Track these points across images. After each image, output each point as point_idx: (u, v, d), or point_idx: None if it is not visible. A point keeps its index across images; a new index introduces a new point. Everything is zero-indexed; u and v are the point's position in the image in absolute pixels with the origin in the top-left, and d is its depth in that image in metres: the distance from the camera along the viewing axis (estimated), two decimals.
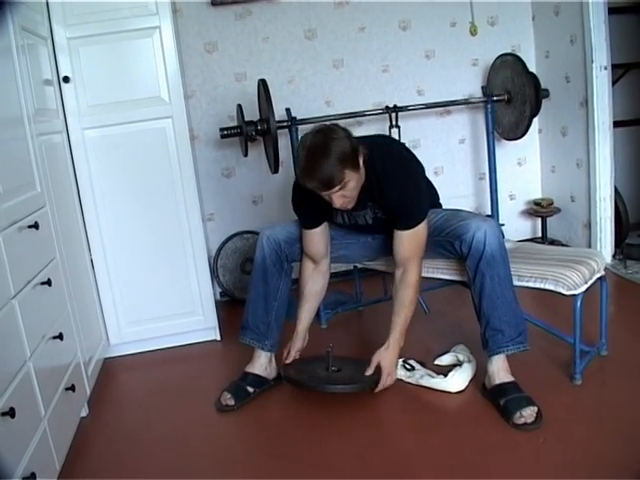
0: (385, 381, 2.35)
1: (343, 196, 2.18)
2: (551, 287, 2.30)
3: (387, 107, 3.46)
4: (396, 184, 2.26)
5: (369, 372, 2.35)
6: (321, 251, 2.53)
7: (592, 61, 3.43)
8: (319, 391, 2.40)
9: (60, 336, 2.15)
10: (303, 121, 3.38)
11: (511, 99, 3.63)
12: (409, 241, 2.31)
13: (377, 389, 2.36)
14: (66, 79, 2.78)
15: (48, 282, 2.10)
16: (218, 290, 3.82)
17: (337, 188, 2.13)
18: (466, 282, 2.40)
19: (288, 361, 2.53)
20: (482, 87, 3.84)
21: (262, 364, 2.58)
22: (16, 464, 1.64)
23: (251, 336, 2.58)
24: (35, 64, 2.45)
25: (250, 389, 2.53)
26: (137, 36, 2.82)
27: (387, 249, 2.62)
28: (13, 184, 1.98)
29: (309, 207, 2.42)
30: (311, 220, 2.48)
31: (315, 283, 2.57)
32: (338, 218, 2.49)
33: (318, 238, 2.50)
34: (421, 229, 2.31)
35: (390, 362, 2.35)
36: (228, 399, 2.48)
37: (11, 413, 1.60)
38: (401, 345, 2.38)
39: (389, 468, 2.01)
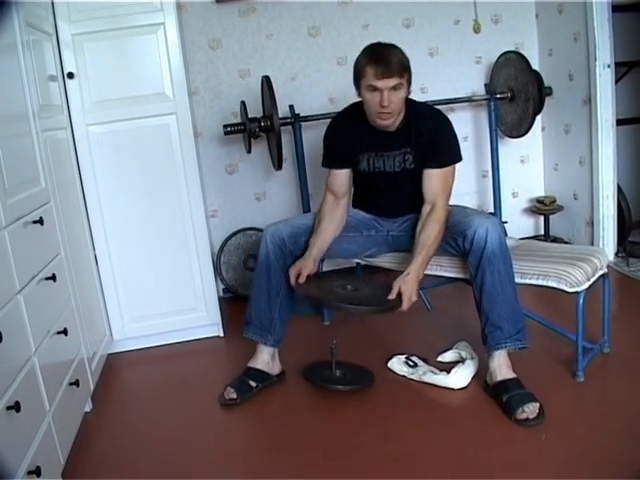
0: (405, 305, 2.31)
1: (391, 101, 2.28)
2: (554, 284, 2.31)
3: None
4: (434, 120, 2.45)
5: (392, 297, 2.31)
6: (344, 187, 2.59)
7: (595, 59, 3.43)
8: (341, 310, 2.42)
9: (64, 331, 2.16)
10: (306, 118, 3.39)
11: (514, 97, 3.63)
12: (439, 178, 2.43)
13: (402, 308, 2.31)
14: (70, 75, 2.79)
15: (53, 277, 2.11)
16: (221, 286, 3.83)
17: (397, 81, 2.27)
18: (469, 279, 2.41)
19: (301, 281, 2.44)
20: (485, 85, 3.85)
21: (264, 359, 2.58)
22: (21, 458, 1.65)
23: (254, 331, 2.57)
24: (40, 60, 2.46)
25: (253, 384, 2.53)
26: (141, 32, 2.82)
27: (389, 245, 2.65)
28: (18, 180, 1.98)
29: (342, 145, 2.52)
30: (339, 159, 2.56)
31: (333, 218, 2.57)
32: (364, 163, 2.53)
33: (342, 177, 2.58)
34: (451, 171, 2.46)
35: (411, 287, 2.31)
36: (231, 393, 2.49)
37: (16, 407, 1.61)
38: (420, 277, 2.36)
39: (392, 464, 2.02)
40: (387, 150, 2.47)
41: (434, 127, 2.42)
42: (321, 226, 2.55)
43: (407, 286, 2.31)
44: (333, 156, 2.58)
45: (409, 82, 2.34)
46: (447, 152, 2.45)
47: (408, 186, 2.51)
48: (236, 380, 2.54)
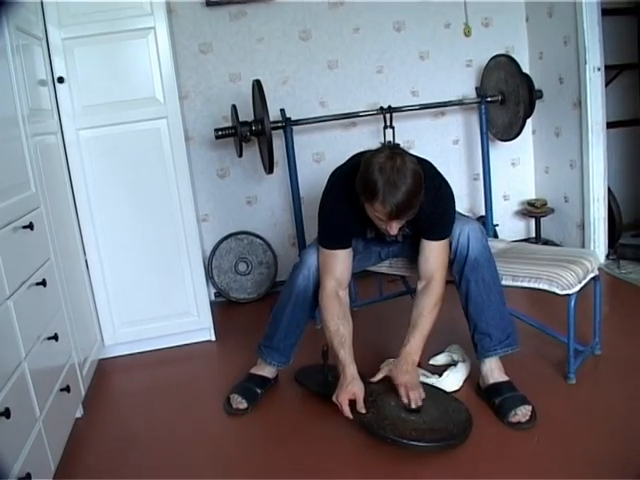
0: (413, 404, 2.15)
1: (402, 224, 2.09)
2: (545, 287, 2.31)
3: (381, 108, 3.47)
4: (433, 199, 2.15)
5: (406, 401, 2.16)
6: (347, 273, 2.34)
7: (585, 62, 3.44)
8: (407, 447, 2.03)
9: (55, 337, 2.14)
10: (297, 122, 3.39)
11: (505, 100, 3.64)
12: (439, 252, 2.24)
13: (412, 406, 2.16)
14: (61, 79, 2.78)
15: (43, 283, 2.09)
16: (213, 291, 3.82)
17: (406, 218, 2.06)
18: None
19: (362, 410, 2.13)
20: (476, 88, 3.85)
21: (272, 371, 2.57)
22: (11, 464, 1.64)
23: (279, 359, 2.51)
24: (30, 64, 2.45)
25: (258, 390, 2.50)
26: (132, 37, 2.81)
27: (390, 257, 2.64)
28: (8, 184, 1.98)
29: (344, 228, 2.28)
30: (343, 241, 2.31)
31: (348, 319, 2.32)
32: (368, 234, 2.35)
33: (345, 258, 2.32)
34: (447, 244, 2.26)
35: (410, 380, 2.18)
36: (239, 402, 2.44)
37: (6, 414, 1.60)
38: (417, 362, 2.23)
39: (386, 468, 2.02)
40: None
41: (433, 205, 2.16)
42: (342, 335, 2.26)
43: (406, 377, 2.18)
44: (338, 237, 2.30)
45: (421, 198, 2.03)
46: (448, 225, 2.25)
47: (411, 242, 2.39)
48: (241, 387, 2.50)
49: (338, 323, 2.27)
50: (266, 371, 2.55)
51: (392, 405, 2.19)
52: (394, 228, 2.07)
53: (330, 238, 2.32)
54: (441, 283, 2.25)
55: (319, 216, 2.34)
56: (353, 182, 2.08)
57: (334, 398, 2.19)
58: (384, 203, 1.96)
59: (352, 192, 2.10)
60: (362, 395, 2.16)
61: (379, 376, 2.25)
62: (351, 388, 2.16)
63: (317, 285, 2.39)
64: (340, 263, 2.31)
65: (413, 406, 2.15)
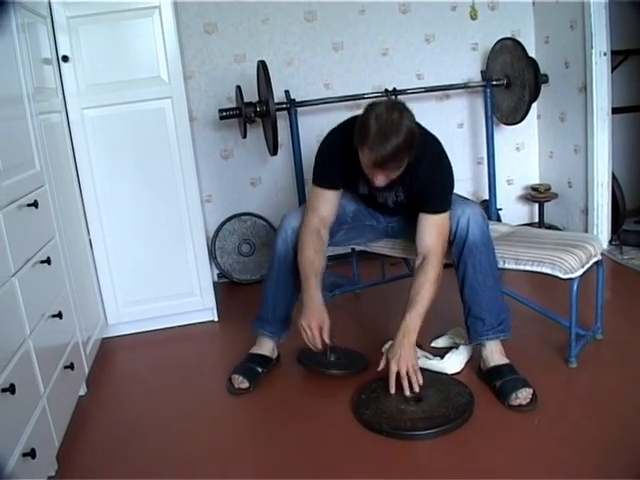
0: (414, 382, 2.19)
1: (388, 177, 2.13)
2: (548, 271, 2.32)
3: (386, 90, 3.46)
4: (431, 166, 2.20)
5: (392, 389, 2.19)
6: (332, 214, 2.38)
7: (592, 47, 3.42)
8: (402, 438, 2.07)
9: (59, 315, 2.16)
10: (302, 103, 3.38)
11: (510, 84, 3.63)
12: (436, 227, 2.24)
13: (406, 393, 2.19)
14: (65, 58, 2.77)
15: (47, 261, 2.10)
16: (216, 272, 3.83)
17: (392, 172, 2.10)
18: None
19: (328, 341, 2.29)
20: (481, 71, 3.84)
21: (270, 347, 2.58)
22: (16, 440, 1.66)
23: (271, 330, 2.54)
24: (34, 43, 2.44)
25: (259, 369, 2.51)
26: (137, 15, 2.80)
27: (388, 234, 2.65)
28: (13, 162, 1.98)
29: (338, 167, 2.32)
30: (335, 181, 2.36)
31: (322, 251, 2.36)
32: (361, 188, 2.40)
33: (333, 199, 2.37)
34: (446, 219, 2.26)
35: (406, 362, 2.19)
36: (240, 382, 2.45)
37: (11, 389, 1.61)
38: (413, 341, 2.22)
39: (388, 447, 2.03)
40: (379, 190, 2.32)
41: (429, 171, 2.21)
42: (316, 267, 2.33)
43: (402, 362, 2.19)
44: (330, 175, 2.35)
45: (410, 157, 2.09)
46: (445, 198, 2.27)
47: (405, 211, 2.43)
48: (242, 367, 2.51)
49: (315, 256, 2.34)
50: (265, 349, 2.57)
51: (393, 398, 2.21)
52: (379, 179, 2.12)
53: (322, 174, 2.38)
54: (438, 260, 2.24)
55: (317, 154, 2.40)
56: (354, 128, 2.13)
57: (302, 322, 2.28)
58: (371, 149, 2.02)
59: (352, 138, 2.13)
60: (328, 327, 2.29)
61: (382, 363, 2.27)
62: (320, 316, 2.29)
63: (296, 248, 2.41)
64: (327, 202, 2.37)
65: (408, 392, 2.18)
